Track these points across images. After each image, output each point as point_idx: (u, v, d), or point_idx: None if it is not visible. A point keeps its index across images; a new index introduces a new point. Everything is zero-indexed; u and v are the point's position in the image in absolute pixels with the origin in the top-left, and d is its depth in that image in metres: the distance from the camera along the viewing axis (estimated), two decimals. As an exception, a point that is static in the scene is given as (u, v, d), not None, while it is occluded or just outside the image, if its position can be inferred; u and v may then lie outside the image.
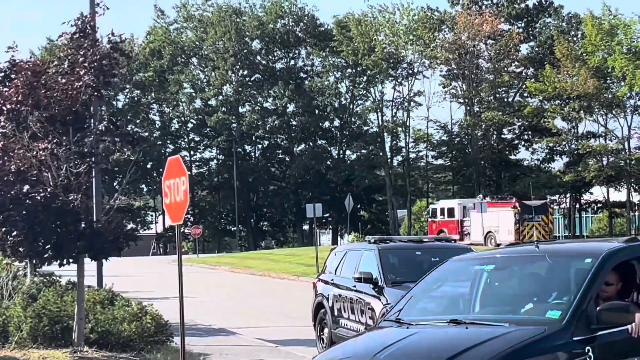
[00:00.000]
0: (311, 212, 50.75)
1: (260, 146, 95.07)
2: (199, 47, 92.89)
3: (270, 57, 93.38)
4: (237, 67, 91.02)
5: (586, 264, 9.33)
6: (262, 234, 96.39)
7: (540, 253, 10.05)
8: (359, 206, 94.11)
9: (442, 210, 66.56)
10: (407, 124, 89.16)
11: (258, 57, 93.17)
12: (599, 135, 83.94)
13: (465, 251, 18.73)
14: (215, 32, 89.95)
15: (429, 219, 67.85)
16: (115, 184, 72.71)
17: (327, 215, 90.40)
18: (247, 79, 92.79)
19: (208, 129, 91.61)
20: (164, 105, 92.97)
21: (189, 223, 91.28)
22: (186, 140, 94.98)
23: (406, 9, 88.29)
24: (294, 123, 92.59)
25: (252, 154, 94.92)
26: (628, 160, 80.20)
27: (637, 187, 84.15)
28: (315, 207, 50.14)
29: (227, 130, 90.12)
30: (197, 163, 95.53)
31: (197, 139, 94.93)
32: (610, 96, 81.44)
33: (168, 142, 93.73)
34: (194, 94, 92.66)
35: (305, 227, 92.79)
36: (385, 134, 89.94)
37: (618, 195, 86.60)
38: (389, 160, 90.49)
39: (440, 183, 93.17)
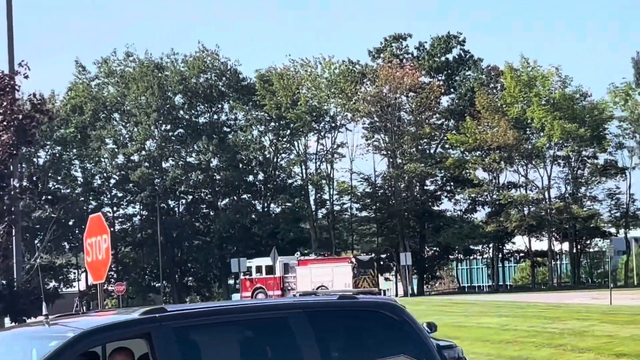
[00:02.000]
0: (236, 266, 50.68)
1: (184, 201, 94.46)
2: (121, 103, 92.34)
3: (193, 111, 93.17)
4: (160, 122, 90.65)
5: (50, 348, 7.82)
6: (187, 290, 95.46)
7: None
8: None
9: (259, 267, 67.53)
10: (331, 176, 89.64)
11: (181, 112, 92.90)
12: (520, 185, 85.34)
13: (392, 306, 18.79)
14: (137, 87, 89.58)
15: (242, 277, 68.42)
16: (36, 241, 71.60)
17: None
18: (170, 133, 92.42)
19: (131, 184, 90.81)
20: (86, 162, 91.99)
21: (112, 280, 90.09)
22: (109, 196, 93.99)
23: (328, 62, 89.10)
24: (218, 177, 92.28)
25: (176, 209, 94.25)
26: (548, 210, 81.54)
27: (558, 236, 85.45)
28: (240, 261, 50.12)
29: (150, 185, 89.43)
30: (120, 219, 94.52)
31: (120, 194, 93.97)
32: (529, 147, 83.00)
33: (90, 198, 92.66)
34: (116, 150, 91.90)
35: (231, 281, 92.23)
36: (310, 187, 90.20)
37: (540, 244, 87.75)
38: (314, 213, 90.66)
39: (364, 235, 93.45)
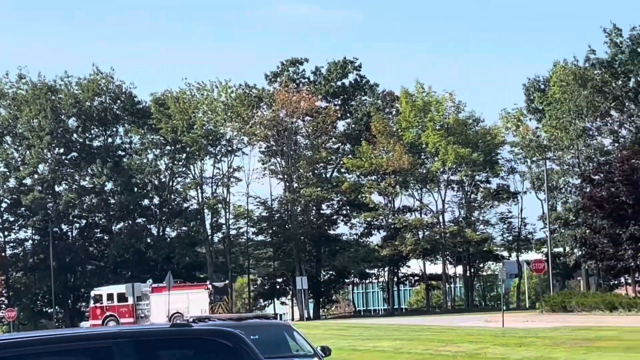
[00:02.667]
0: (130, 291, 50.06)
1: (77, 225, 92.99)
2: (13, 126, 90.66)
3: (87, 134, 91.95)
4: (53, 145, 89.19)
5: None
6: (80, 315, 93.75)
7: None
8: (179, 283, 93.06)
9: (111, 295, 67.39)
10: (227, 200, 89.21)
11: (75, 135, 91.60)
12: (415, 209, 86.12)
13: (286, 327, 18.74)
14: (29, 110, 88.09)
15: (92, 305, 68.01)
16: None
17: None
18: (64, 157, 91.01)
19: (23, 208, 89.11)
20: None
21: (4, 306, 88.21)
22: (0, 220, 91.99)
23: (224, 86, 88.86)
24: (113, 201, 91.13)
25: (70, 233, 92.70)
26: (442, 234, 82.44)
27: (452, 260, 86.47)
28: (134, 287, 49.55)
29: (42, 209, 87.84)
30: (11, 244, 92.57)
31: (11, 219, 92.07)
32: (424, 171, 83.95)
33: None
34: (7, 173, 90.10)
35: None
36: (206, 211, 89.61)
37: (434, 268, 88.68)
38: (210, 237, 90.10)
39: (261, 259, 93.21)
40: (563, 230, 76.76)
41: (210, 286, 65.07)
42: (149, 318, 64.15)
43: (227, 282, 75.20)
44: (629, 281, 67.67)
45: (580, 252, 64.81)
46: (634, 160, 63.01)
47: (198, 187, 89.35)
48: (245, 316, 19.48)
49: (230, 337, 9.23)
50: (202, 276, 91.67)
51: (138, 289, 63.01)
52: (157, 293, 63.92)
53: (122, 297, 66.22)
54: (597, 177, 63.73)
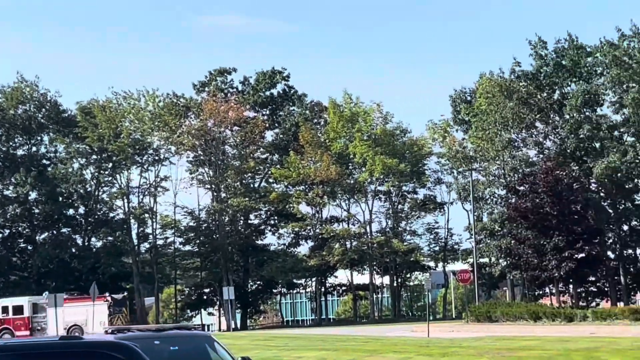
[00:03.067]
0: (52, 303, 49.37)
1: (0, 235, 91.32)
2: None
3: (10, 143, 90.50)
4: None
5: None
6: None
7: None
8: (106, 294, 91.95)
9: (6, 307, 66.87)
10: (154, 210, 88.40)
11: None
12: (342, 219, 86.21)
13: (207, 338, 18.45)
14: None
15: None
16: None
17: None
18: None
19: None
20: None
21: None
22: None
23: (151, 95, 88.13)
24: (37, 211, 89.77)
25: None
26: (370, 244, 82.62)
27: (379, 270, 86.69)
28: (56, 297, 48.89)
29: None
30: None
31: None
32: (352, 182, 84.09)
33: None
34: None
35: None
36: (132, 221, 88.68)
37: (362, 278, 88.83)
38: (136, 247, 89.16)
39: (188, 269, 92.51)
40: (489, 241, 77.35)
41: (109, 298, 65.23)
42: (46, 331, 63.29)
43: (125, 294, 75.06)
44: (554, 291, 68.46)
45: (505, 263, 65.34)
46: (558, 172, 63.83)
47: (124, 197, 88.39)
48: (165, 327, 19.19)
49: (123, 350, 9.02)
50: (128, 286, 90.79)
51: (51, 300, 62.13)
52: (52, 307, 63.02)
53: (18, 310, 65.39)
54: (522, 188, 64.38)
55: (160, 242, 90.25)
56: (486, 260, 79.91)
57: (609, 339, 35.07)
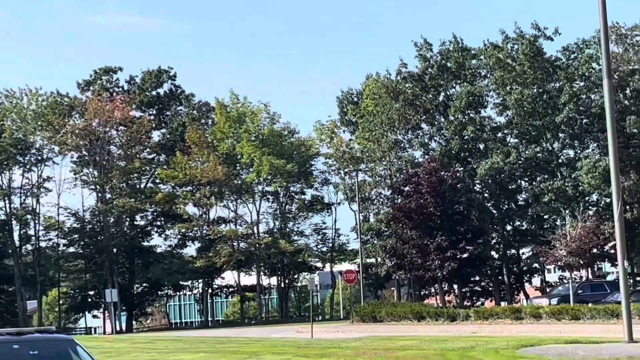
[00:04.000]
0: None
1: None
2: None
3: None
4: None
5: None
6: None
7: None
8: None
9: None
10: (37, 211, 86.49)
11: None
12: (230, 220, 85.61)
13: (69, 342, 17.83)
14: None
15: None
16: None
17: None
18: None
19: None
20: None
21: None
22: None
23: (34, 94, 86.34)
24: None
25: None
26: (257, 245, 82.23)
27: (266, 271, 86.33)
28: None
29: None
30: None
31: None
32: (239, 182, 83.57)
33: None
34: None
35: None
36: (14, 222, 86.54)
37: (249, 279, 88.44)
38: (18, 249, 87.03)
39: (72, 271, 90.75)
40: (375, 241, 77.71)
41: None
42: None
43: None
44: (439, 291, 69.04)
45: (390, 263, 65.65)
46: (442, 172, 64.37)
47: (6, 197, 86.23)
48: (25, 330, 18.50)
49: None
50: (10, 289, 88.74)
51: None
52: None
53: None
54: (406, 188, 64.70)
55: (43, 243, 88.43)
56: (373, 260, 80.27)
57: (486, 338, 35.36)
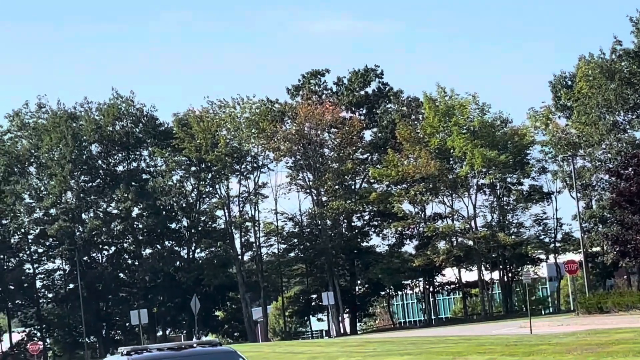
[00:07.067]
0: (136, 319, 48.60)
1: (106, 252, 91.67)
2: (36, 155, 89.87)
3: (110, 160, 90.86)
4: (76, 172, 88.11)
5: None
6: (115, 344, 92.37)
7: None
8: (214, 307, 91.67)
9: None
10: (256, 218, 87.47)
11: (98, 161, 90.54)
12: (446, 216, 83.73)
13: (230, 354, 16.93)
14: (50, 138, 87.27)
15: None
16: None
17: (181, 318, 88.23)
18: (88, 184, 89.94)
19: (50, 239, 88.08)
20: (2, 218, 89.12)
21: (36, 338, 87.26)
22: (28, 252, 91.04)
23: (246, 102, 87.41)
24: (140, 226, 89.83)
25: (98, 260, 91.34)
26: (476, 240, 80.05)
27: (487, 266, 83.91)
28: (140, 313, 48.10)
29: (69, 238, 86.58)
30: (40, 275, 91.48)
31: (40, 250, 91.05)
32: (453, 176, 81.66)
33: (8, 256, 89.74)
34: (33, 204, 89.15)
35: (160, 332, 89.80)
36: (234, 230, 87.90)
37: (470, 275, 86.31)
38: (240, 256, 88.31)
39: (293, 276, 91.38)
40: (600, 228, 74.17)
41: None
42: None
43: None
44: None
45: (614, 250, 62.26)
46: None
47: (225, 207, 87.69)
48: (186, 344, 17.70)
49: None
50: (236, 296, 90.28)
51: None
52: None
53: None
54: (626, 171, 61.09)
55: (264, 250, 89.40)
56: (598, 249, 76.71)
57: None
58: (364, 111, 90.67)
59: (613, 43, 73.48)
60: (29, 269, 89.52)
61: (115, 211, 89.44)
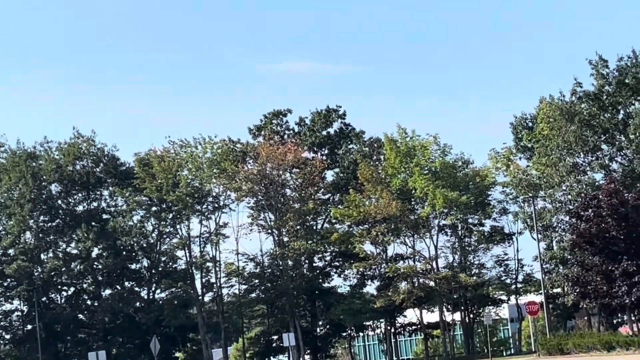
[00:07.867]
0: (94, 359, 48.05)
1: (65, 293, 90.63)
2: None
3: (70, 199, 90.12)
4: (36, 212, 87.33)
5: None
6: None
7: None
8: (174, 348, 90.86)
9: None
10: (217, 258, 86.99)
11: (58, 201, 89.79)
12: (407, 257, 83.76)
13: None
14: (9, 178, 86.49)
15: None
16: None
17: None
18: (47, 224, 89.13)
19: (8, 279, 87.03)
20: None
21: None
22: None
23: (208, 142, 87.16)
24: (100, 266, 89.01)
25: (57, 301, 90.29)
26: (437, 280, 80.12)
27: (449, 307, 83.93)
28: (98, 354, 47.55)
29: (27, 278, 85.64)
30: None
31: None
32: (414, 217, 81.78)
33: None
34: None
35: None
36: (195, 270, 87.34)
37: (432, 316, 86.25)
38: (200, 297, 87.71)
39: (254, 317, 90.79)
40: (560, 270, 74.47)
41: None
42: None
43: None
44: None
45: (574, 292, 62.49)
46: (627, 194, 60.97)
47: (186, 247, 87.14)
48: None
49: None
50: (196, 338, 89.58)
51: None
52: None
53: None
54: (586, 213, 61.53)
55: (224, 290, 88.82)
56: (559, 290, 76.96)
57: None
58: (326, 151, 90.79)
59: (573, 85, 74.25)
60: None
61: (75, 251, 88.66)
